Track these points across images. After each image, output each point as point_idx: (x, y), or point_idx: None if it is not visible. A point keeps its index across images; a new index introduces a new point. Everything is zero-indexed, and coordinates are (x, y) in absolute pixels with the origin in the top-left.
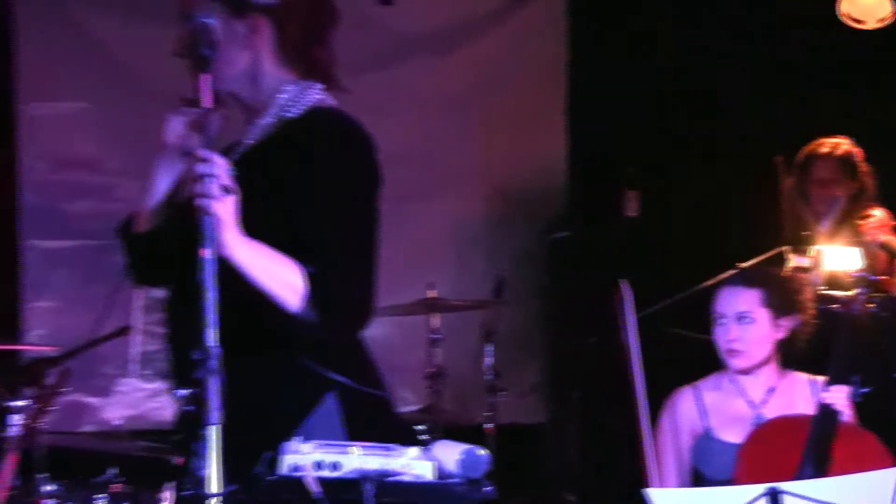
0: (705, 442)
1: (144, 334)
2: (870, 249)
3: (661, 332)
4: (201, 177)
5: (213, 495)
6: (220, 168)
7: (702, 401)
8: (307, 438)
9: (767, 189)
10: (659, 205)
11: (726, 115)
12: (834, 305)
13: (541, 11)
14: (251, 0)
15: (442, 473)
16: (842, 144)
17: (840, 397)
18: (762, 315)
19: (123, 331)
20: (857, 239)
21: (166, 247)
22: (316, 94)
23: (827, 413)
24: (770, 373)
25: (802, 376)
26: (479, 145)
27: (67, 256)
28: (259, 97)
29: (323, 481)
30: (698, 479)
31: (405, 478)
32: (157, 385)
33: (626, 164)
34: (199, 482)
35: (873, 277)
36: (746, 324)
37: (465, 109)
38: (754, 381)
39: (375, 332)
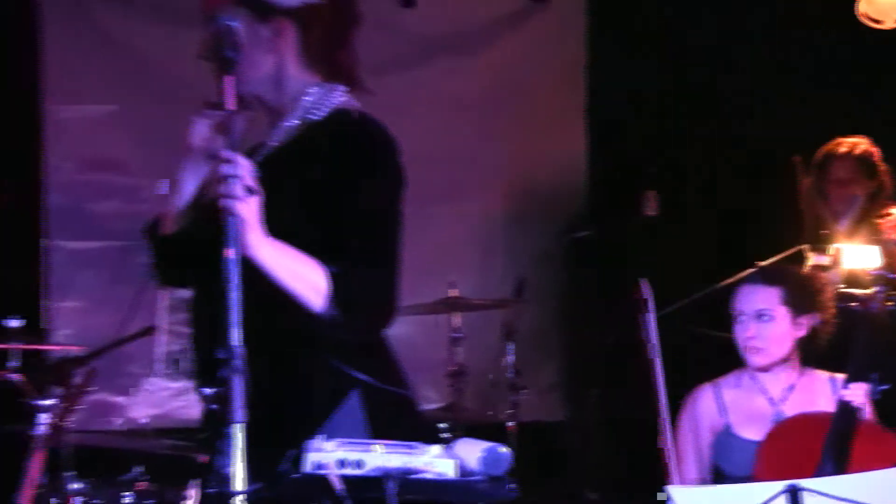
0: (725, 439)
1: (169, 334)
2: (888, 248)
3: (680, 330)
4: (225, 178)
5: (238, 493)
6: (244, 169)
7: (722, 398)
8: (331, 436)
9: (787, 188)
10: (678, 204)
11: (746, 115)
12: (853, 303)
13: (560, 13)
14: (276, 4)
15: (464, 471)
16: (860, 144)
17: (859, 395)
18: (781, 313)
19: (149, 330)
20: (876, 237)
21: (192, 248)
22: (340, 97)
23: (846, 410)
24: (790, 370)
25: (822, 374)
26: (499, 146)
27: (93, 257)
28: (283, 100)
29: (346, 479)
30: (718, 475)
31: (428, 476)
32: (183, 384)
33: (646, 164)
34: (224, 480)
35: (892, 275)
36: (765, 321)
37: (486, 110)
38: (774, 379)
39: (398, 330)
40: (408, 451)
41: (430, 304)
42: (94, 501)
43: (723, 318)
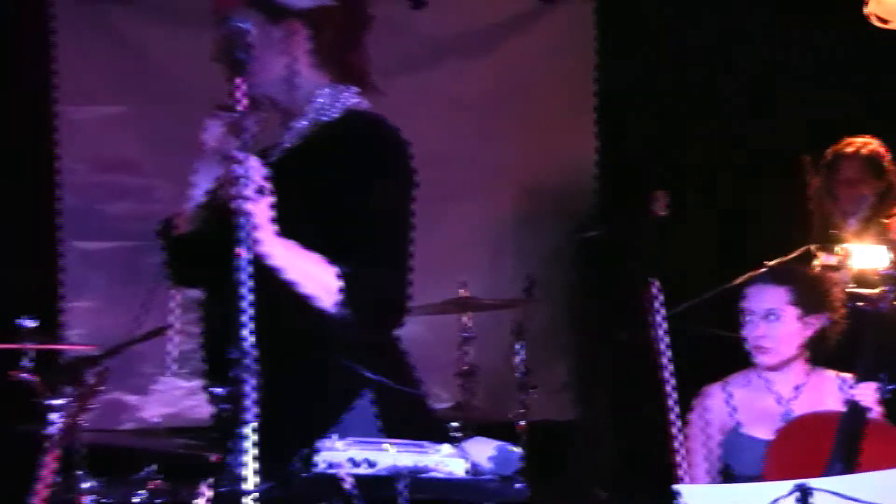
0: (734, 438)
1: (182, 334)
2: None
3: (690, 329)
4: (237, 178)
5: (250, 492)
6: (256, 170)
7: (731, 397)
8: (343, 436)
9: (796, 188)
10: (688, 204)
11: (752, 115)
12: (862, 303)
13: (569, 15)
14: (288, 5)
15: (475, 470)
16: (868, 144)
17: (868, 394)
18: (790, 312)
19: (161, 330)
20: (885, 237)
21: (204, 248)
22: (351, 98)
23: (855, 410)
24: (799, 370)
25: (831, 373)
26: (509, 146)
27: (106, 257)
28: (295, 101)
29: (357, 478)
30: (727, 475)
31: (438, 475)
32: (195, 383)
33: (655, 164)
34: (236, 479)
35: None
36: (774, 321)
37: (496, 111)
38: (783, 378)
39: (408, 330)
40: (419, 450)
41: (440, 304)
42: (107, 500)
43: (732, 317)
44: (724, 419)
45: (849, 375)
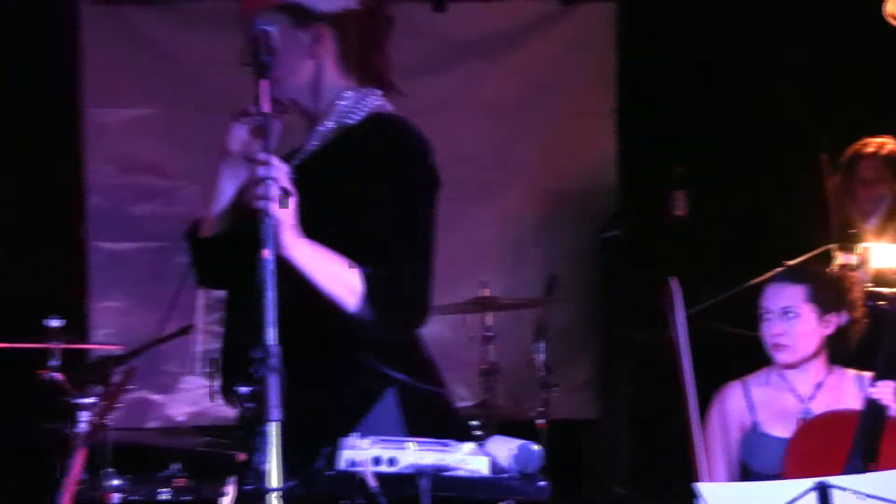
0: (753, 436)
1: (207, 333)
2: None
3: (709, 328)
4: (261, 180)
5: (274, 489)
6: (280, 171)
7: (750, 396)
8: (367, 434)
9: (815, 187)
10: (707, 204)
11: (775, 115)
12: (881, 302)
13: (590, 16)
14: (315, 10)
15: (496, 468)
16: (887, 144)
17: (887, 393)
18: (807, 310)
19: (186, 330)
20: None
21: (229, 249)
22: (375, 101)
23: (874, 408)
24: (818, 368)
25: (850, 372)
26: (530, 147)
27: (132, 258)
28: (320, 105)
29: (380, 476)
30: (746, 473)
31: (460, 473)
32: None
33: (675, 164)
34: (261, 477)
35: None
36: (791, 318)
37: (517, 112)
38: (802, 377)
39: (431, 329)
40: (441, 448)
41: (462, 304)
42: (133, 497)
43: (751, 316)
44: (743, 417)
45: (867, 374)
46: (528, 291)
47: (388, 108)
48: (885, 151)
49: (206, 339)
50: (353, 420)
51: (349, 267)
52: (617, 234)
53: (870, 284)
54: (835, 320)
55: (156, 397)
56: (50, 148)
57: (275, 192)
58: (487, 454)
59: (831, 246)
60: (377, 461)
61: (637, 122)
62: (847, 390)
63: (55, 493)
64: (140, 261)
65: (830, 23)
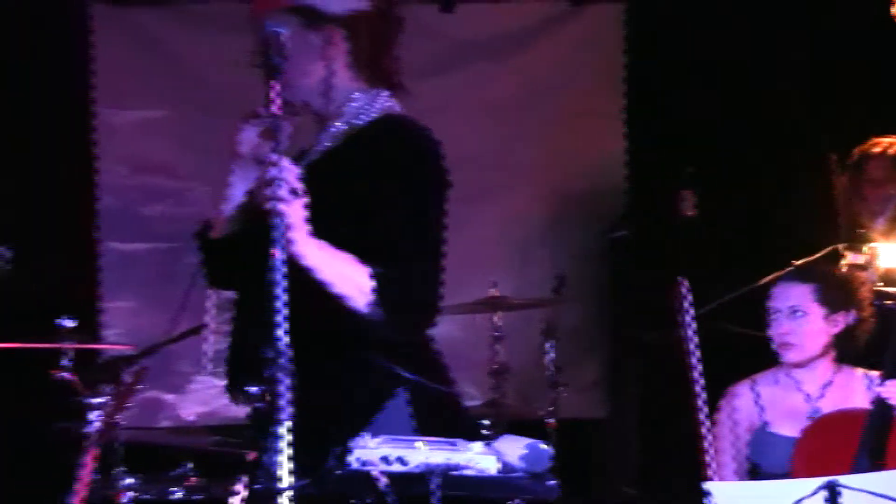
0: (761, 436)
1: (217, 333)
2: None
3: (718, 328)
4: (271, 180)
5: (284, 489)
6: (290, 172)
7: (758, 395)
8: (379, 433)
9: (823, 187)
10: (716, 204)
11: (782, 115)
12: (889, 302)
13: (598, 17)
14: (327, 12)
15: (506, 467)
16: (895, 144)
17: (895, 392)
18: (815, 309)
19: (197, 330)
20: None
21: (240, 251)
22: (385, 102)
23: (883, 407)
24: (826, 367)
25: (858, 371)
26: (539, 147)
27: (143, 258)
28: (330, 106)
29: (390, 475)
30: (755, 472)
31: (470, 472)
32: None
33: (683, 164)
34: (272, 476)
35: None
36: (798, 317)
37: (526, 112)
38: (810, 376)
39: (440, 329)
40: (451, 447)
41: (471, 304)
42: (145, 496)
43: (760, 316)
44: (752, 417)
45: (876, 373)
46: (537, 291)
47: (398, 108)
48: (893, 151)
49: (216, 339)
50: (364, 420)
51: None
52: (626, 235)
53: (878, 284)
54: (842, 319)
55: (167, 397)
56: (61, 149)
57: (285, 192)
58: (497, 453)
59: (840, 246)
60: (387, 460)
61: (645, 122)
62: (855, 389)
63: (67, 491)
64: (151, 261)
65: (830, 23)
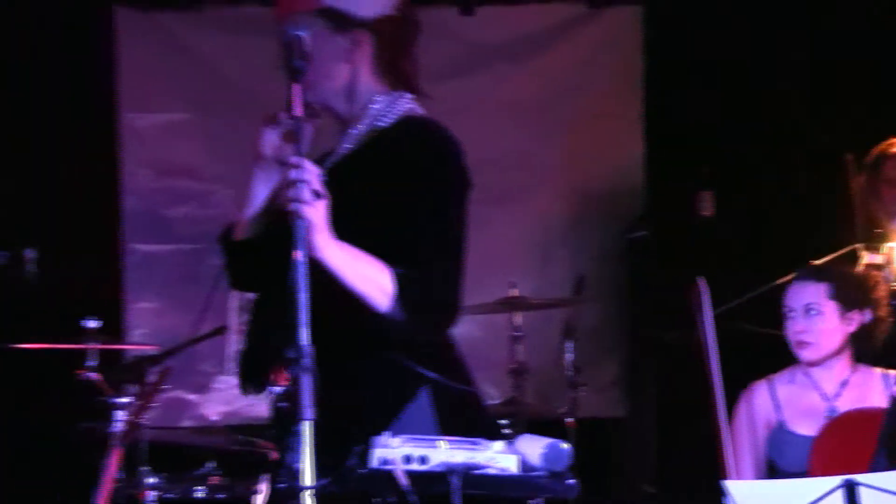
0: (779, 434)
1: (240, 334)
2: None
3: (737, 328)
4: (293, 182)
5: (306, 487)
6: (312, 174)
7: (776, 394)
8: (402, 432)
9: (841, 187)
10: (734, 204)
11: (801, 115)
12: None
13: (617, 19)
14: (354, 15)
15: (526, 466)
16: None
17: None
18: (830, 307)
19: (220, 330)
20: None
21: (262, 253)
22: (406, 104)
23: None
24: (843, 366)
25: (876, 370)
26: (558, 149)
27: (167, 259)
28: (354, 109)
29: (411, 474)
30: (773, 471)
31: (490, 471)
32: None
33: (701, 165)
34: (294, 475)
35: None
36: (813, 315)
37: (545, 114)
38: (827, 374)
39: (460, 329)
40: (471, 446)
41: (491, 304)
42: (168, 495)
43: (778, 316)
44: (770, 416)
45: (893, 372)
46: (556, 291)
47: (420, 111)
48: None
49: (239, 339)
50: (387, 420)
51: (381, 268)
52: (644, 235)
53: (895, 283)
54: (857, 318)
55: (190, 397)
56: (86, 152)
57: (307, 194)
58: (517, 452)
59: (857, 245)
60: (408, 459)
61: (664, 123)
62: (873, 388)
63: (92, 491)
64: (174, 263)
65: (832, 23)
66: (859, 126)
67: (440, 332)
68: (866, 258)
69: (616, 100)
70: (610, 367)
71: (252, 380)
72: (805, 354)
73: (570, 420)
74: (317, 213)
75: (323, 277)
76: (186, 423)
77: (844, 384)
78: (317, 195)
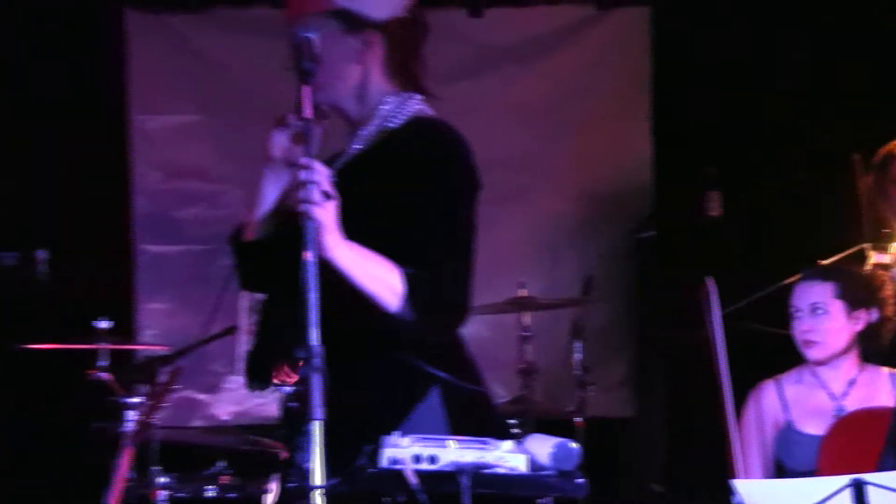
0: (787, 434)
1: (250, 334)
2: None
3: (745, 328)
4: (303, 183)
5: (316, 487)
6: (321, 175)
7: (783, 394)
8: (412, 432)
9: (848, 187)
10: (741, 204)
11: (809, 115)
12: None
13: (625, 20)
14: (367, 17)
15: (535, 466)
16: None
17: None
18: (836, 307)
19: (231, 330)
20: None
21: (272, 254)
22: (416, 105)
23: None
24: (850, 365)
25: (883, 369)
26: (566, 149)
27: (177, 260)
28: (364, 110)
29: (421, 474)
30: (781, 470)
31: (500, 470)
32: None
33: (709, 165)
34: (304, 475)
35: None
36: (820, 315)
37: (553, 115)
38: (835, 374)
39: (469, 329)
40: (481, 446)
41: (500, 304)
42: (179, 495)
43: (785, 315)
44: (778, 415)
45: None
46: (565, 291)
47: (429, 111)
48: None
49: (249, 340)
50: (397, 419)
51: (390, 268)
52: (653, 235)
53: None
54: (864, 317)
55: (201, 397)
56: (97, 154)
57: (316, 195)
58: (526, 452)
59: (865, 245)
60: (418, 459)
61: (671, 124)
62: (880, 387)
63: (104, 490)
64: (185, 263)
65: (833, 23)
66: (859, 126)
67: (450, 333)
68: (874, 258)
69: (624, 101)
70: (618, 366)
71: (257, 376)
72: (812, 354)
73: (578, 419)
74: (326, 214)
75: (333, 278)
76: (197, 423)
77: (852, 383)
78: (326, 196)
